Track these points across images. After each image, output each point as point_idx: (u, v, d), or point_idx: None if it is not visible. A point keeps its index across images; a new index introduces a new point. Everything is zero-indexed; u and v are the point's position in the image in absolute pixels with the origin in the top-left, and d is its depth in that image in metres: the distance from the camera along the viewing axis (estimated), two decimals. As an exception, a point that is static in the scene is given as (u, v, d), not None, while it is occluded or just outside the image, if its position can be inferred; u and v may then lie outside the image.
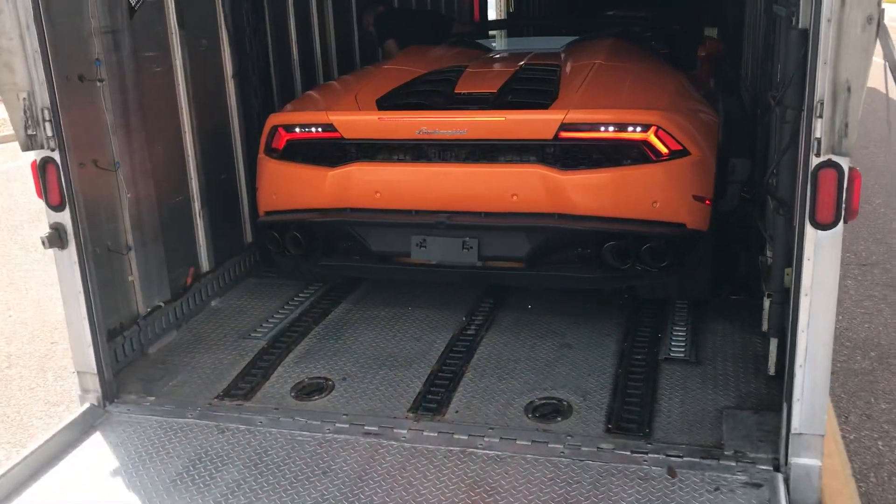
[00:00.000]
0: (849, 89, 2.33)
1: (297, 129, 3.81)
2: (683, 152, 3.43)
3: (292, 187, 3.83)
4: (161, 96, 3.86)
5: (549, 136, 3.44)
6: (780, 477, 2.69)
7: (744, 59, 8.11)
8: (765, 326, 3.37)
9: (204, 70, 4.16)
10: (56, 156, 3.08)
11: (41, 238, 3.21)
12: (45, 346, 5.28)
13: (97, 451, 3.12)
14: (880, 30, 2.24)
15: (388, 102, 3.81)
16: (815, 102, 2.40)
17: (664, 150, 3.40)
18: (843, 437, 3.86)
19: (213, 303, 4.33)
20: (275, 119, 3.93)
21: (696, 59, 5.12)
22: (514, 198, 3.49)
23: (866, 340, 4.88)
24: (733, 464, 2.82)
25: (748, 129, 5.65)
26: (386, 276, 4.24)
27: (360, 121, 3.72)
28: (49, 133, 3.04)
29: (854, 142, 2.38)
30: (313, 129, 3.76)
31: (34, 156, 3.12)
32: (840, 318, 5.17)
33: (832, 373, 4.33)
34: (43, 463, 3.02)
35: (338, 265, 4.02)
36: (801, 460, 2.72)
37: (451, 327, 3.99)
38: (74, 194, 3.16)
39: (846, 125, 2.36)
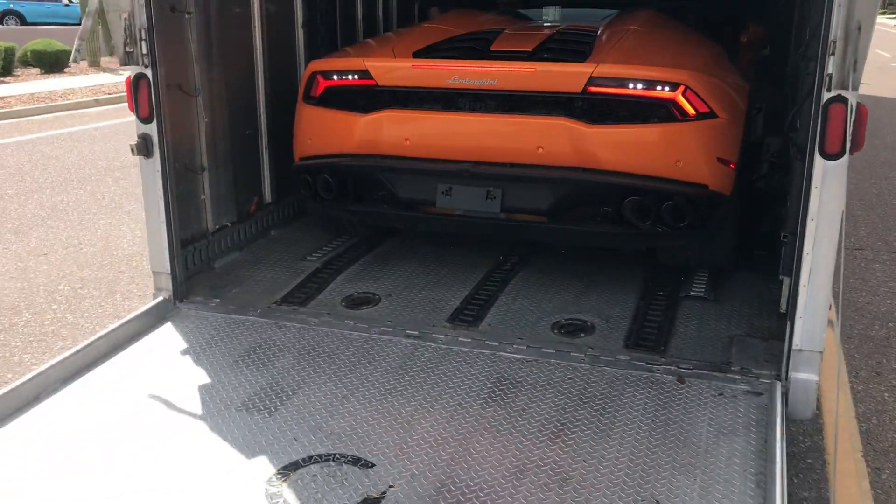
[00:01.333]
0: (859, 28, 2.60)
1: (335, 77, 3.91)
2: (710, 114, 3.46)
3: (327, 133, 3.92)
4: (239, 35, 4.25)
5: (578, 89, 3.48)
6: (778, 386, 2.96)
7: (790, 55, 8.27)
8: (781, 270, 3.63)
9: (277, 16, 4.54)
10: (149, 73, 3.48)
11: (130, 145, 3.59)
12: (114, 273, 5.72)
13: (169, 335, 3.52)
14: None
15: (424, 55, 3.88)
16: (829, 41, 2.68)
17: (691, 110, 3.43)
18: (852, 388, 4.09)
19: (272, 232, 4.71)
20: (314, 66, 4.02)
21: (738, 43, 5.19)
22: (540, 150, 3.52)
23: (886, 313, 5.09)
24: (738, 377, 3.10)
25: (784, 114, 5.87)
26: (411, 226, 4.34)
27: (394, 67, 3.80)
28: (144, 51, 3.43)
29: (860, 78, 2.65)
30: (349, 77, 3.86)
31: (129, 72, 3.51)
32: (864, 293, 5.40)
33: (850, 337, 4.59)
34: (121, 340, 3.42)
35: (366, 211, 4.07)
36: (800, 375, 2.99)
37: (488, 263, 4.32)
38: (161, 110, 3.55)
39: (855, 61, 2.64)
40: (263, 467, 2.60)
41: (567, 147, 3.48)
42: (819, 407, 3.84)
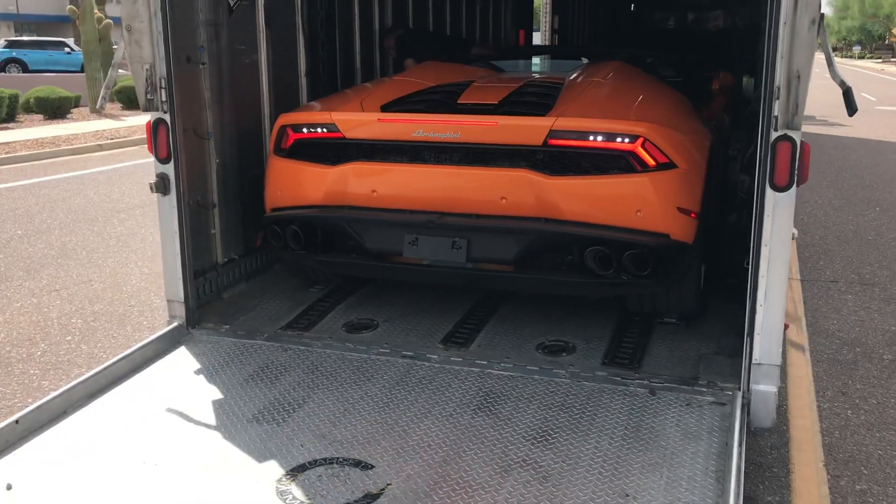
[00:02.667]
0: (799, 77, 2.97)
1: (304, 130, 3.99)
2: (670, 165, 3.53)
3: (296, 184, 4.00)
4: (248, 83, 4.62)
5: (539, 142, 3.55)
6: (739, 396, 3.27)
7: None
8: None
9: (282, 65, 4.92)
10: (167, 118, 3.83)
11: (150, 184, 3.93)
12: (124, 307, 6.02)
13: (183, 357, 3.82)
14: (820, 29, 2.89)
15: (391, 108, 3.96)
16: (774, 88, 3.04)
17: (651, 161, 3.50)
18: (818, 406, 4.39)
19: (275, 266, 5.03)
20: (283, 119, 4.11)
21: (710, 91, 5.38)
22: (504, 201, 3.59)
23: (854, 339, 5.40)
24: (705, 389, 3.41)
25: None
26: (380, 275, 4.39)
27: (360, 121, 3.87)
28: (164, 98, 3.79)
29: (801, 119, 3.00)
30: (318, 129, 3.93)
31: (149, 117, 3.87)
32: (835, 321, 5.72)
33: (819, 361, 4.90)
34: (140, 362, 3.73)
35: (335, 262, 4.15)
36: (760, 387, 3.30)
37: (478, 293, 4.64)
38: (178, 152, 3.90)
39: (797, 105, 3.00)
40: (273, 469, 2.88)
41: (529, 198, 3.56)
42: (787, 422, 4.16)
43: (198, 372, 3.67)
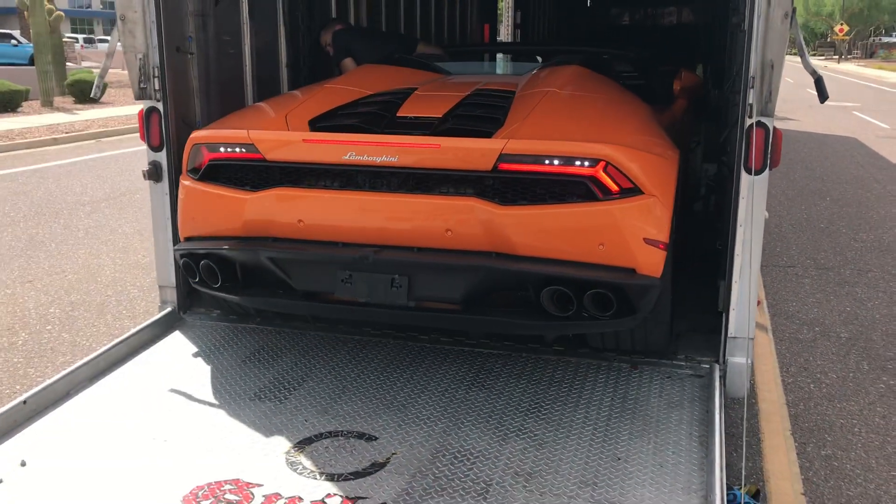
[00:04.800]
0: (772, 66, 3.17)
1: (221, 149, 3.48)
2: (635, 191, 3.12)
3: (211, 212, 3.52)
4: (233, 73, 4.69)
5: (488, 167, 3.13)
6: (717, 367, 3.48)
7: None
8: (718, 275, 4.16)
9: (265, 57, 5.00)
10: (160, 106, 3.90)
11: (142, 171, 3.99)
12: (101, 297, 6.03)
13: (179, 341, 3.90)
14: (792, 22, 3.10)
15: (322, 123, 3.50)
16: (749, 77, 3.24)
17: (614, 187, 3.10)
18: (783, 381, 4.65)
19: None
20: (196, 136, 3.61)
21: (671, 92, 5.09)
22: (449, 233, 3.18)
23: (813, 320, 5.69)
24: (683, 363, 3.62)
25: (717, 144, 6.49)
26: (310, 313, 3.93)
27: (282, 142, 3.39)
28: (157, 87, 3.86)
29: (774, 106, 3.21)
30: (236, 149, 3.44)
31: (142, 105, 3.93)
32: (794, 304, 6.01)
33: (781, 340, 5.16)
34: (137, 346, 3.80)
35: (257, 301, 3.70)
36: (735, 359, 3.51)
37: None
38: (170, 140, 3.96)
39: (770, 93, 3.20)
40: (281, 442, 3.00)
41: (478, 230, 3.15)
42: (755, 396, 4.40)
43: (195, 354, 3.75)
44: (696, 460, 2.89)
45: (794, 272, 6.87)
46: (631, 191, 3.12)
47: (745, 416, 3.64)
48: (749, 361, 3.52)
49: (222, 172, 3.53)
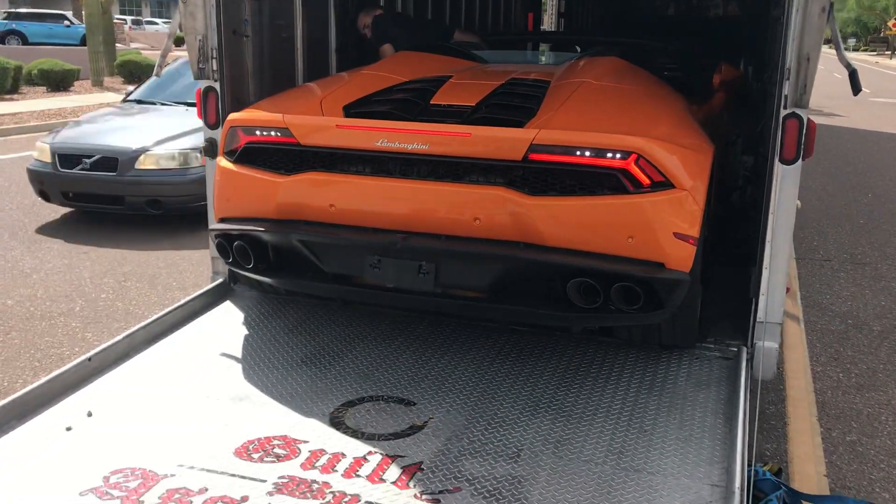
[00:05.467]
0: (808, 59, 3.26)
1: (256, 132, 3.54)
2: (667, 184, 3.11)
3: (245, 194, 3.57)
4: (284, 57, 4.88)
5: (518, 157, 3.13)
6: (744, 350, 3.58)
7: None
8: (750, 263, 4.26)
9: (315, 42, 5.18)
10: (216, 86, 4.10)
11: (199, 148, 4.20)
12: (154, 268, 6.30)
13: (230, 309, 4.11)
14: (829, 16, 3.19)
15: (356, 109, 3.53)
16: (785, 69, 3.33)
17: (645, 180, 3.09)
18: (812, 370, 4.73)
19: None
20: (233, 119, 3.66)
21: (710, 85, 5.00)
22: (477, 222, 3.18)
23: (846, 313, 5.74)
24: (712, 346, 3.73)
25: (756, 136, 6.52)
26: (339, 297, 3.99)
27: (316, 126, 3.43)
28: (214, 68, 4.06)
29: (809, 98, 3.31)
30: (271, 133, 3.50)
31: (200, 85, 4.13)
32: (828, 297, 6.06)
33: (813, 331, 5.23)
34: (191, 312, 4.02)
35: (289, 280, 3.75)
36: (763, 343, 3.61)
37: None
38: (225, 118, 4.16)
39: (805, 85, 3.29)
40: (325, 403, 3.19)
41: (506, 220, 3.15)
42: (783, 382, 4.49)
43: (244, 323, 3.96)
44: (720, 435, 3.01)
45: (830, 266, 6.91)
46: (662, 184, 3.11)
47: (758, 394, 3.75)
48: (777, 345, 3.62)
49: (257, 155, 3.57)
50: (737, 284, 4.30)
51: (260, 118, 3.57)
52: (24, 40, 30.04)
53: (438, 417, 3.11)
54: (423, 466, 2.78)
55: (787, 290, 3.78)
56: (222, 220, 3.71)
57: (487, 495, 2.63)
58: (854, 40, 72.99)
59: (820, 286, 6.31)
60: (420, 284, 3.29)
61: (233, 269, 3.82)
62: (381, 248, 3.30)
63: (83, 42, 28.21)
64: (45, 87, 19.64)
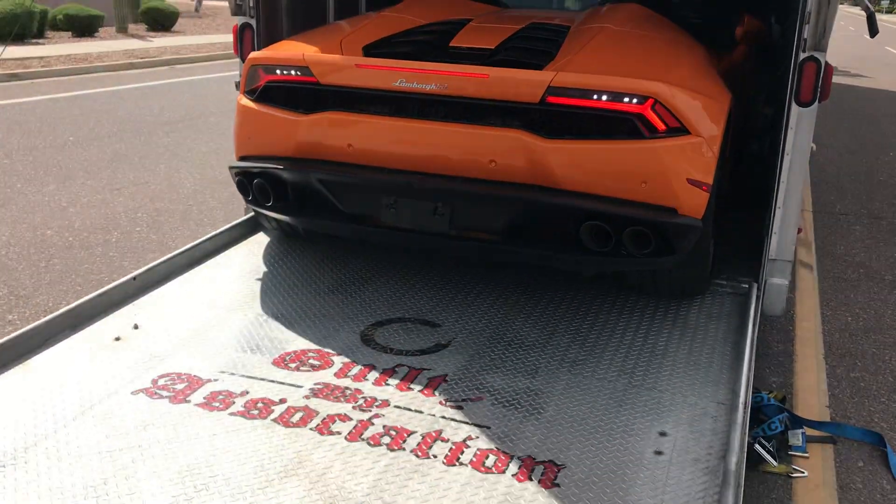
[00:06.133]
0: (829, 2, 3.36)
1: (277, 71, 3.56)
2: (682, 131, 3.12)
3: (265, 132, 3.62)
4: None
5: (535, 99, 3.14)
6: (755, 286, 3.74)
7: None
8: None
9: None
10: (253, 23, 4.24)
11: (235, 82, 4.33)
12: (184, 206, 6.50)
13: (261, 240, 4.33)
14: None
15: (375, 50, 3.56)
16: (805, 13, 3.43)
17: (661, 125, 3.10)
18: (822, 314, 4.88)
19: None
20: (254, 57, 3.68)
21: (733, 36, 4.94)
22: (492, 164, 3.21)
23: (859, 262, 5.87)
24: (724, 282, 3.89)
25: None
26: (357, 236, 4.00)
27: (335, 66, 3.43)
28: (251, 4, 4.19)
29: (828, 42, 3.41)
30: (291, 72, 3.52)
31: (237, 21, 4.28)
32: (843, 247, 6.18)
33: (826, 278, 5.36)
34: (225, 242, 4.24)
35: (307, 219, 3.76)
36: (774, 280, 3.77)
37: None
38: (260, 54, 4.30)
39: (824, 29, 3.39)
40: (356, 323, 3.40)
41: (522, 162, 3.18)
42: (793, 324, 4.65)
43: (276, 252, 4.16)
44: (728, 361, 3.19)
45: (847, 219, 7.00)
46: (678, 130, 3.12)
47: (753, 323, 3.91)
48: (787, 282, 3.77)
49: (277, 94, 3.60)
50: (750, 226, 4.45)
51: (281, 56, 3.59)
52: (48, -15, 30.04)
53: (461, 338, 3.31)
54: (447, 378, 2.99)
55: (799, 230, 3.92)
56: (242, 158, 3.76)
57: (507, 405, 2.83)
58: (888, 2, 71.44)
59: (835, 238, 6.42)
60: (435, 225, 3.35)
61: (252, 206, 3.92)
62: (397, 189, 3.36)
63: (107, -12, 28.24)
64: (70, 33, 19.77)
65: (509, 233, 3.34)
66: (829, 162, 9.24)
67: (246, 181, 3.71)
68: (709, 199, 3.24)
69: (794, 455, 3.30)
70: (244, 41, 4.28)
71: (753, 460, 3.15)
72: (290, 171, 3.55)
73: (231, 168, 3.80)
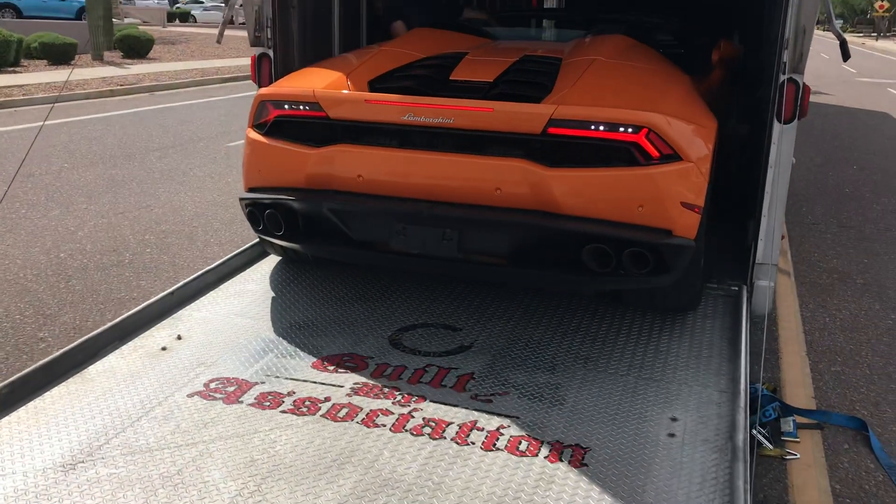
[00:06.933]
0: (804, 31, 3.73)
1: (286, 106, 3.72)
2: (675, 157, 3.33)
3: (276, 165, 3.75)
4: (323, 28, 5.31)
5: (537, 131, 3.34)
6: (744, 288, 4.08)
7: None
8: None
9: (349, 14, 5.61)
10: (271, 53, 4.53)
11: (253, 109, 4.61)
12: (189, 228, 6.73)
13: (270, 265, 4.55)
14: (824, -8, 3.66)
15: (380, 84, 3.72)
16: (784, 39, 3.80)
17: (655, 153, 3.30)
18: (801, 315, 5.24)
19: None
20: (263, 93, 3.85)
21: (710, 61, 5.18)
22: (498, 192, 3.39)
23: (831, 268, 6.26)
24: (716, 285, 4.23)
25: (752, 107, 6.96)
26: (368, 262, 4.14)
27: (346, 101, 3.60)
28: (269, 36, 4.48)
29: (805, 65, 3.78)
30: (300, 107, 3.68)
31: (255, 52, 4.56)
32: (816, 254, 6.57)
33: (803, 284, 5.72)
34: (251, 258, 4.50)
35: (318, 247, 3.89)
36: (761, 282, 4.11)
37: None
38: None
39: (802, 54, 3.77)
40: (383, 328, 3.68)
41: (525, 190, 3.36)
42: (776, 325, 5.00)
43: (299, 266, 4.43)
44: (726, 354, 3.52)
45: (818, 228, 7.42)
46: (671, 157, 3.32)
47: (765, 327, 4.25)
48: (773, 284, 4.12)
49: (287, 128, 3.74)
50: (735, 236, 4.80)
51: (290, 93, 3.75)
52: (19, 13, 30.03)
53: (482, 340, 3.60)
54: (474, 376, 3.27)
55: (783, 237, 4.27)
56: (251, 190, 3.89)
57: (532, 397, 3.12)
58: (841, 21, 73.54)
59: (809, 246, 6.82)
60: (444, 251, 3.49)
61: (262, 236, 4.04)
62: (408, 217, 3.50)
63: (78, 16, 28.34)
64: (45, 61, 19.84)
65: (515, 256, 3.51)
66: (798, 175, 9.70)
67: (257, 212, 3.83)
68: (700, 220, 3.46)
69: (787, 440, 3.62)
70: (262, 70, 4.56)
71: (751, 444, 3.46)
72: (302, 202, 3.68)
73: (242, 199, 3.91)
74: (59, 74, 17.61)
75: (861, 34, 63.64)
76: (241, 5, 4.45)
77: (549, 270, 3.53)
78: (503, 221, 3.41)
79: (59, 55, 19.86)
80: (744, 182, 5.63)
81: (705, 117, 3.70)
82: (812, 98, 16.63)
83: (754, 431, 3.48)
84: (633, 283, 3.52)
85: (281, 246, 4.23)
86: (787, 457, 3.50)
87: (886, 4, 55.04)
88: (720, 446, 2.83)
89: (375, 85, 3.73)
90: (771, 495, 3.28)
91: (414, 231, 3.51)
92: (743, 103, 6.51)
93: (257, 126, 3.85)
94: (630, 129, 3.29)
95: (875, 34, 59.43)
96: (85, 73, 18.29)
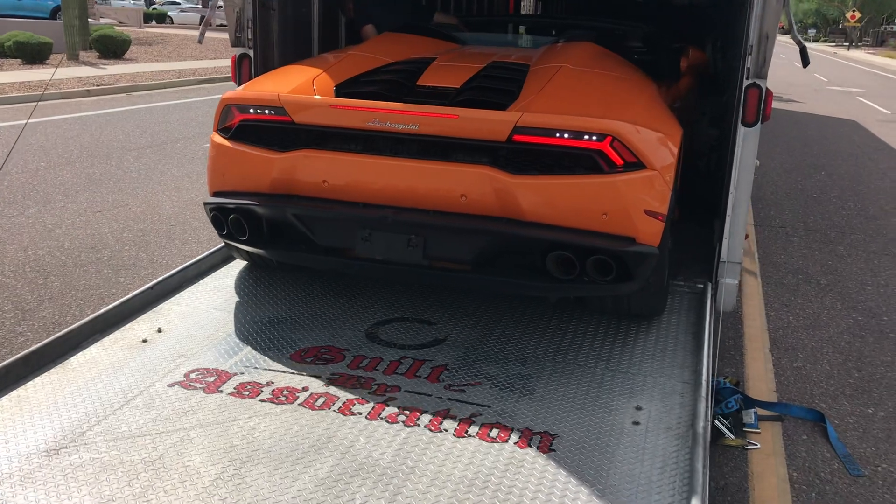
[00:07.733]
0: (767, 37, 3.88)
1: (251, 110, 3.67)
2: (639, 165, 3.33)
3: (240, 169, 3.70)
4: (302, 28, 5.40)
5: (502, 138, 3.32)
6: (709, 286, 4.23)
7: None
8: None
9: (328, 16, 5.70)
10: (251, 53, 4.61)
11: (233, 108, 4.70)
12: (167, 226, 6.78)
13: (239, 265, 4.61)
14: (785, 2, 3.81)
15: (347, 89, 3.67)
16: (747, 46, 3.95)
17: (619, 161, 3.30)
18: (766, 314, 5.42)
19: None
20: (228, 97, 3.78)
21: (679, 69, 5.28)
22: (463, 199, 3.38)
23: (797, 269, 6.45)
24: (682, 283, 4.36)
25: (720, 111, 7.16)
26: (332, 268, 4.12)
27: (311, 106, 3.55)
28: (250, 36, 4.57)
29: (768, 71, 3.93)
30: (265, 111, 3.63)
31: (236, 52, 4.64)
32: (783, 256, 6.77)
33: (769, 284, 5.90)
34: (227, 256, 4.54)
35: (282, 252, 3.83)
36: (726, 280, 4.25)
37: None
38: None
39: (764, 60, 3.92)
40: (360, 323, 3.78)
41: (490, 197, 3.35)
42: (741, 323, 5.16)
43: (256, 278, 4.50)
44: (690, 348, 3.65)
45: (785, 231, 7.62)
46: (634, 165, 3.32)
47: (710, 319, 4.40)
48: (737, 281, 4.27)
49: (252, 132, 3.69)
50: (701, 235, 4.96)
51: (255, 97, 3.68)
52: (-7, 13, 29.76)
53: (456, 333, 3.71)
54: (448, 367, 3.38)
55: (746, 236, 4.43)
56: (216, 194, 3.83)
57: (503, 388, 3.24)
58: (814, 31, 74.72)
59: (775, 248, 7.02)
60: (409, 257, 3.47)
61: (227, 241, 3.99)
62: (372, 222, 3.47)
63: (52, 15, 28.14)
64: (20, 60, 19.72)
65: (479, 263, 3.51)
66: (767, 180, 9.93)
67: (221, 216, 3.79)
68: (664, 228, 3.46)
69: (748, 431, 3.77)
70: (242, 70, 4.64)
71: (714, 435, 3.60)
72: (266, 207, 3.64)
73: (206, 204, 3.86)
74: (33, 74, 17.52)
75: (833, 43, 64.72)
76: (220, 6, 4.53)
77: (514, 277, 3.55)
78: (468, 228, 3.41)
79: (34, 54, 19.74)
80: (712, 183, 5.80)
81: (670, 125, 3.73)
82: (783, 105, 17.01)
83: (716, 422, 3.62)
84: (597, 290, 3.53)
85: (246, 251, 4.21)
86: (748, 447, 3.64)
87: (858, 15, 56.04)
88: (681, 433, 2.96)
89: (342, 90, 3.71)
90: (731, 482, 3.42)
91: (379, 237, 3.50)
92: (714, 108, 6.71)
93: (222, 130, 3.82)
94: (594, 137, 3.30)
95: (847, 44, 60.47)
96: (60, 72, 18.20)
